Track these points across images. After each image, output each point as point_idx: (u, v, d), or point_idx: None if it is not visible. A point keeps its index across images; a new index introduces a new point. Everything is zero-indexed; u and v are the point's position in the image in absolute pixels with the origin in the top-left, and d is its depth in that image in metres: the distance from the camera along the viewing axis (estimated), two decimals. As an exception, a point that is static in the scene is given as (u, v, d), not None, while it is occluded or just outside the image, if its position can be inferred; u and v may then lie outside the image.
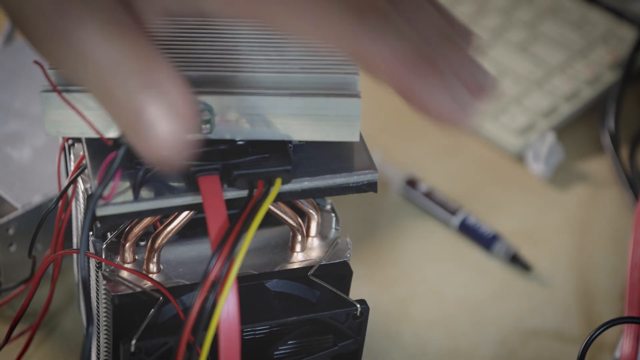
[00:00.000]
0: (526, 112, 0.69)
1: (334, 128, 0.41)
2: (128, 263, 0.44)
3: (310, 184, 0.41)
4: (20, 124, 0.59)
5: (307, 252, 0.46)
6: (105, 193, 0.39)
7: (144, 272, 0.44)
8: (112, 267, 0.43)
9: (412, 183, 0.65)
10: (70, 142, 0.46)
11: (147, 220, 0.43)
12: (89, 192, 0.42)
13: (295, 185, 0.41)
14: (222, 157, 0.40)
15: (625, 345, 0.54)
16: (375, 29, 0.35)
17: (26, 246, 0.50)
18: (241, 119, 0.40)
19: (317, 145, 0.42)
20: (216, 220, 0.39)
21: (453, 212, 0.64)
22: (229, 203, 0.40)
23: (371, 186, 0.43)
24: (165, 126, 0.34)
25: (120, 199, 0.40)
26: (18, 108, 0.60)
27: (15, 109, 0.60)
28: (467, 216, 0.63)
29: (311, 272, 0.45)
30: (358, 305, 0.44)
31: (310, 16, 0.35)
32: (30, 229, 0.51)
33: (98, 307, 0.44)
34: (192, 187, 0.40)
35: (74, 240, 0.50)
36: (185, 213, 0.42)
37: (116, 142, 0.40)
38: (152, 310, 0.42)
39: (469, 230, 0.63)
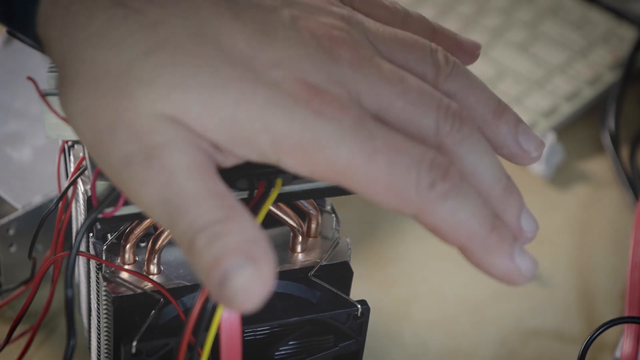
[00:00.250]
0: (526, 112, 0.69)
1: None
2: (128, 264, 0.44)
3: (311, 184, 0.41)
4: (21, 124, 0.59)
5: (308, 252, 0.46)
6: (109, 209, 0.39)
7: (145, 273, 0.44)
8: (113, 269, 0.43)
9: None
10: (70, 143, 0.46)
11: (147, 222, 0.43)
12: (89, 194, 0.42)
13: (295, 186, 0.41)
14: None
15: (625, 345, 0.54)
16: (446, 198, 0.36)
17: (26, 247, 0.49)
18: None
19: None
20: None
21: (453, 212, 0.63)
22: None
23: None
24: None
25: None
26: (18, 108, 0.60)
27: (15, 109, 0.60)
28: (467, 216, 0.63)
29: (312, 272, 0.45)
30: (359, 306, 0.44)
31: (385, 193, 0.36)
32: (31, 229, 0.51)
33: (99, 308, 0.44)
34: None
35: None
36: (185, 214, 0.42)
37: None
38: (153, 311, 0.42)
39: (469, 231, 0.63)
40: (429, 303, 0.59)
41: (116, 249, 0.44)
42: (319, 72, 0.36)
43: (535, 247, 0.62)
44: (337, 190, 0.42)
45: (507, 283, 0.37)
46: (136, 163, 0.34)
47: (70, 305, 0.39)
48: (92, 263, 0.44)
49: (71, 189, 0.46)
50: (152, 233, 0.44)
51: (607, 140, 0.69)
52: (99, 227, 0.44)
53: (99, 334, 0.45)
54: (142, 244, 0.44)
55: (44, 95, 0.39)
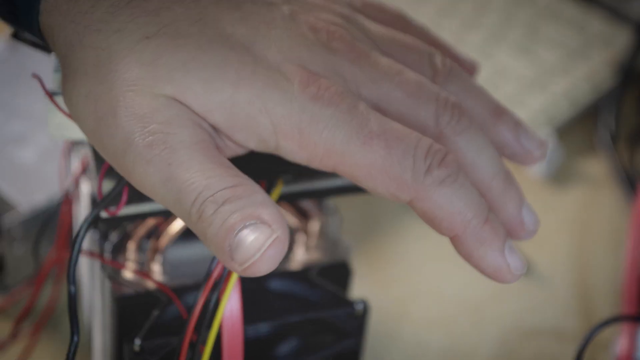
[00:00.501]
0: (526, 112, 0.69)
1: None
2: (132, 264, 0.44)
3: (312, 185, 0.42)
4: (25, 124, 0.59)
5: (308, 252, 0.46)
6: (112, 208, 0.39)
7: (148, 272, 0.44)
8: (116, 268, 0.44)
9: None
10: (72, 142, 0.46)
11: (150, 221, 0.43)
12: (92, 193, 0.42)
13: (297, 186, 0.41)
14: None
15: (622, 342, 0.54)
16: (443, 184, 0.36)
17: (30, 246, 0.50)
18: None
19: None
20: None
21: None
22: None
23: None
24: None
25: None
26: (22, 108, 0.60)
27: (19, 109, 0.60)
28: (467, 216, 0.63)
29: (312, 272, 0.45)
30: (359, 305, 0.45)
31: (384, 182, 0.36)
32: (35, 229, 0.52)
33: (102, 307, 0.44)
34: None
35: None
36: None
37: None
38: (156, 310, 0.42)
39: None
40: (429, 303, 0.59)
41: (120, 249, 0.44)
42: (317, 61, 0.37)
43: (535, 246, 0.63)
44: (338, 191, 0.42)
45: (495, 279, 0.37)
46: (138, 143, 0.34)
47: (73, 301, 0.39)
48: (96, 262, 0.44)
49: (74, 188, 0.46)
50: (155, 233, 0.44)
51: (606, 140, 0.69)
52: (102, 227, 0.44)
53: (102, 333, 0.45)
54: (146, 244, 0.45)
55: (49, 93, 0.39)
